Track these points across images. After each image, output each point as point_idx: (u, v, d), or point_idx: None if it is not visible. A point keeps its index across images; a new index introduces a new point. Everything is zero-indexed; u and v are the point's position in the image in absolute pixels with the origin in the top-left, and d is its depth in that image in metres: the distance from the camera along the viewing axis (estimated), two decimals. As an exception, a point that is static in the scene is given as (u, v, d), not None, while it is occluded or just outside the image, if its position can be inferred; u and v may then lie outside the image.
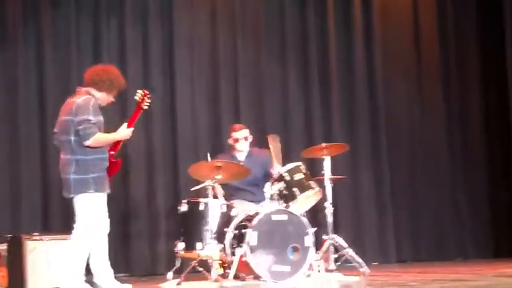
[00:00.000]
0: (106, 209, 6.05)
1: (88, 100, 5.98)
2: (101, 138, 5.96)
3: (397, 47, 10.27)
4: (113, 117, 7.60)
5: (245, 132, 7.64)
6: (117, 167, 6.20)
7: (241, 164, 7.33)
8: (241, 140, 7.59)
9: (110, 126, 6.22)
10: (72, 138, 5.92)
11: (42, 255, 6.81)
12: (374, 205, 9.79)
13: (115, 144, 6.17)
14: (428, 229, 10.01)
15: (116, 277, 6.17)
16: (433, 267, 8.23)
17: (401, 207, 9.95)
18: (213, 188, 6.95)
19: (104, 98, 6.16)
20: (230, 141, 7.69)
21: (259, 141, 7.75)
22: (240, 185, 7.40)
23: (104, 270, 6.04)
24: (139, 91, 6.32)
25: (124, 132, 6.16)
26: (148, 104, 6.33)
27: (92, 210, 5.94)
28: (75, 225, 5.99)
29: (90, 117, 5.90)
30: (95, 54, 8.68)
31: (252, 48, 9.50)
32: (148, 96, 6.32)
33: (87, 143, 5.89)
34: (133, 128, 6.19)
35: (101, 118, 6.04)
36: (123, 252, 8.55)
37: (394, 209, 9.86)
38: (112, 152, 6.13)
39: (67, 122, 5.95)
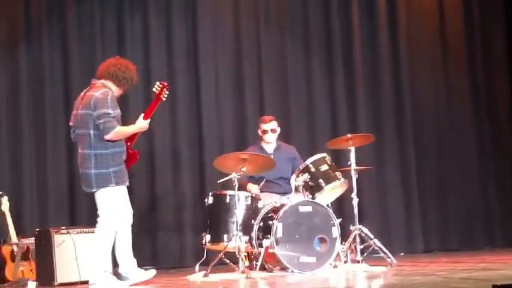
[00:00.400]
0: (128, 200, 6.07)
1: (106, 93, 5.98)
2: (120, 131, 5.97)
3: (422, 36, 10.17)
4: (134, 110, 7.64)
5: (273, 124, 7.66)
6: (134, 158, 6.21)
7: (268, 156, 7.34)
8: (269, 131, 7.60)
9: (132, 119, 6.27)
10: (92, 132, 5.94)
11: (70, 248, 6.85)
12: (400, 195, 9.73)
13: (131, 136, 6.18)
14: (455, 218, 9.93)
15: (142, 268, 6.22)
16: (460, 257, 8.16)
17: (428, 196, 9.88)
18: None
19: (118, 91, 6.17)
20: (259, 132, 7.73)
21: (286, 135, 7.71)
22: (268, 177, 7.40)
23: (128, 261, 6.07)
24: (158, 83, 6.32)
25: (141, 124, 6.16)
26: (167, 95, 6.32)
27: (114, 203, 5.97)
28: (98, 219, 6.03)
29: (110, 111, 5.91)
30: (119, 48, 8.68)
31: (276, 39, 9.47)
32: (167, 87, 6.31)
33: (108, 136, 5.90)
34: (150, 120, 6.19)
35: (119, 111, 6.05)
36: (150, 245, 8.58)
37: (420, 198, 9.79)
38: (129, 144, 6.15)
39: (86, 116, 5.96)
